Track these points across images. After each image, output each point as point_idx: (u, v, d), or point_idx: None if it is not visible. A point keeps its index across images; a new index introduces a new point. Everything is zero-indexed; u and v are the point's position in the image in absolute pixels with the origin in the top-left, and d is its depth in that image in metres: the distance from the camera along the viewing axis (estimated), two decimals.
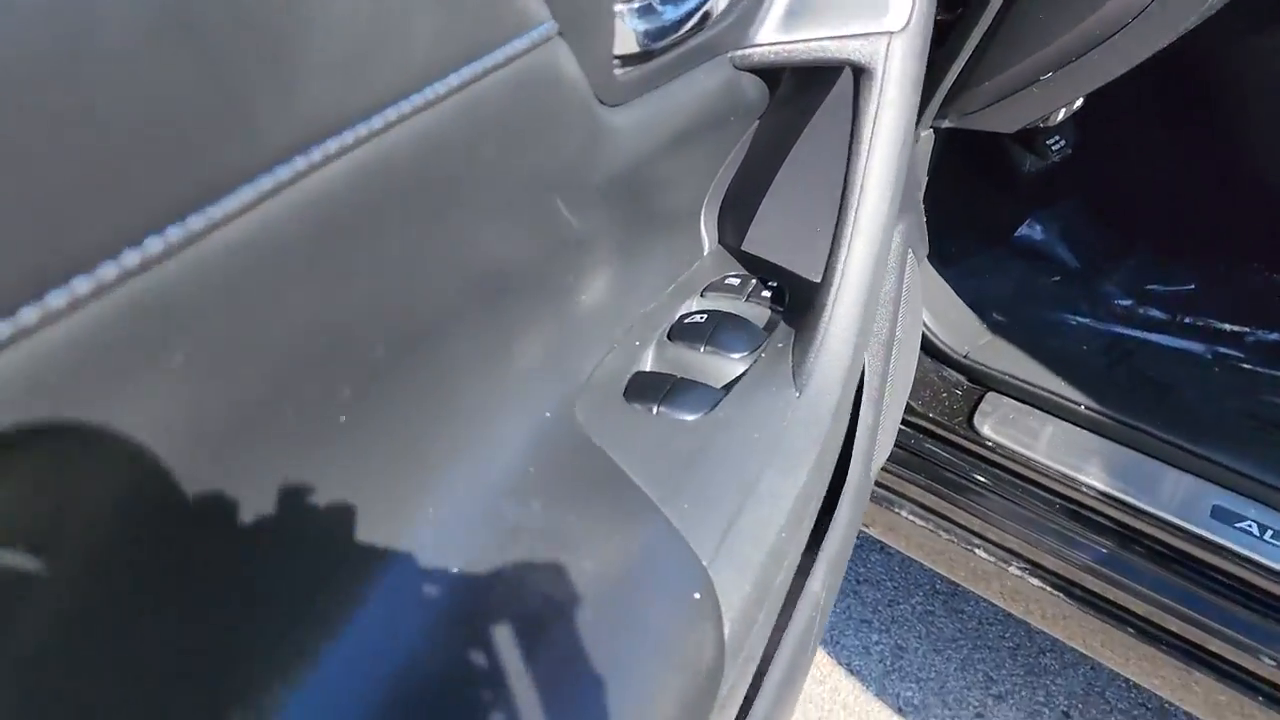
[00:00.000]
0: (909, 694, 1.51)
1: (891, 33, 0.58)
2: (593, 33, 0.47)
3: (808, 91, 0.72)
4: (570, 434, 0.53)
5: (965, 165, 1.67)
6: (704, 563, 0.48)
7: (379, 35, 0.35)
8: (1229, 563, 1.12)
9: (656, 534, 0.48)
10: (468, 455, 0.47)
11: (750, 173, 0.73)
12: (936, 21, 0.60)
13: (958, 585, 1.49)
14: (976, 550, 1.30)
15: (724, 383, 0.60)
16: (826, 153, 0.80)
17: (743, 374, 0.59)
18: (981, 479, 1.29)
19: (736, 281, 0.67)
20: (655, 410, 0.56)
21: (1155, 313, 1.65)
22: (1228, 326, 1.61)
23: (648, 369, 0.61)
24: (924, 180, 1.26)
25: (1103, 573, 1.20)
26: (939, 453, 1.31)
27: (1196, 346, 1.57)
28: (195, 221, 0.29)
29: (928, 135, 1.24)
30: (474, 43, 0.40)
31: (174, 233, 0.28)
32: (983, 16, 0.96)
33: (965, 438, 1.29)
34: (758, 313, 0.65)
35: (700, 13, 0.55)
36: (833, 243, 0.61)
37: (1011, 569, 1.27)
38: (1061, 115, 1.29)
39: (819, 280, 0.66)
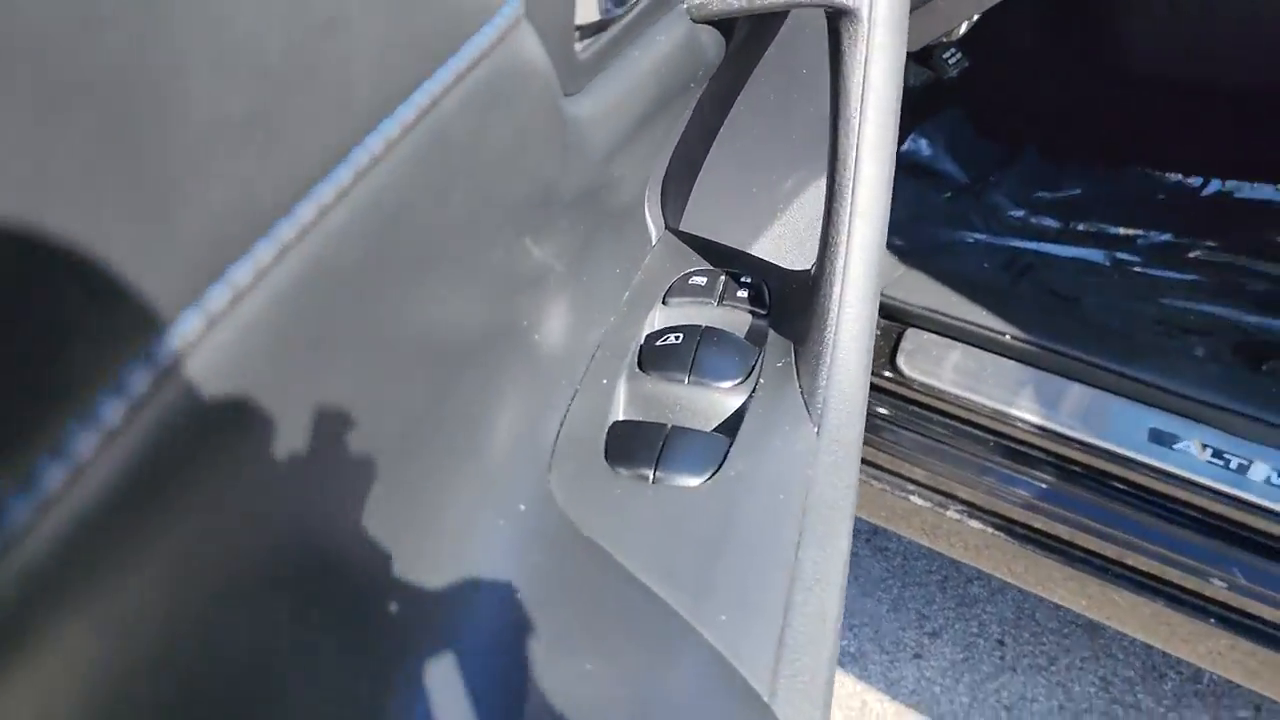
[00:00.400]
0: (845, 643, 1.46)
1: None
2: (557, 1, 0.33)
3: (756, 41, 0.60)
4: (555, 531, 0.40)
5: None
6: (764, 698, 0.36)
7: (303, 75, 0.21)
8: (1170, 486, 1.09)
9: (702, 671, 0.36)
10: (444, 602, 0.35)
11: (697, 142, 0.60)
12: None
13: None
14: (911, 497, 1.24)
15: (719, 422, 0.48)
16: (778, 111, 0.67)
17: (743, 408, 0.48)
18: (911, 422, 1.22)
19: (703, 281, 0.55)
20: (651, 477, 0.44)
21: (1048, 221, 1.62)
22: (1121, 230, 1.59)
23: (623, 416, 0.48)
24: None
25: (1045, 508, 1.16)
26: None
27: (1094, 254, 1.55)
28: (49, 481, 0.18)
29: None
30: (433, 48, 0.26)
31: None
32: None
33: (891, 380, 1.22)
34: (737, 319, 0.53)
35: None
36: (827, 227, 0.49)
37: (949, 513, 1.22)
38: (964, 29, 1.20)
39: (809, 270, 0.54)
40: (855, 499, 0.47)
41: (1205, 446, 1.11)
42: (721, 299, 0.54)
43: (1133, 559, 1.14)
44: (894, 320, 1.26)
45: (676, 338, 0.50)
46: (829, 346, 0.48)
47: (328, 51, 0.22)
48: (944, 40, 1.22)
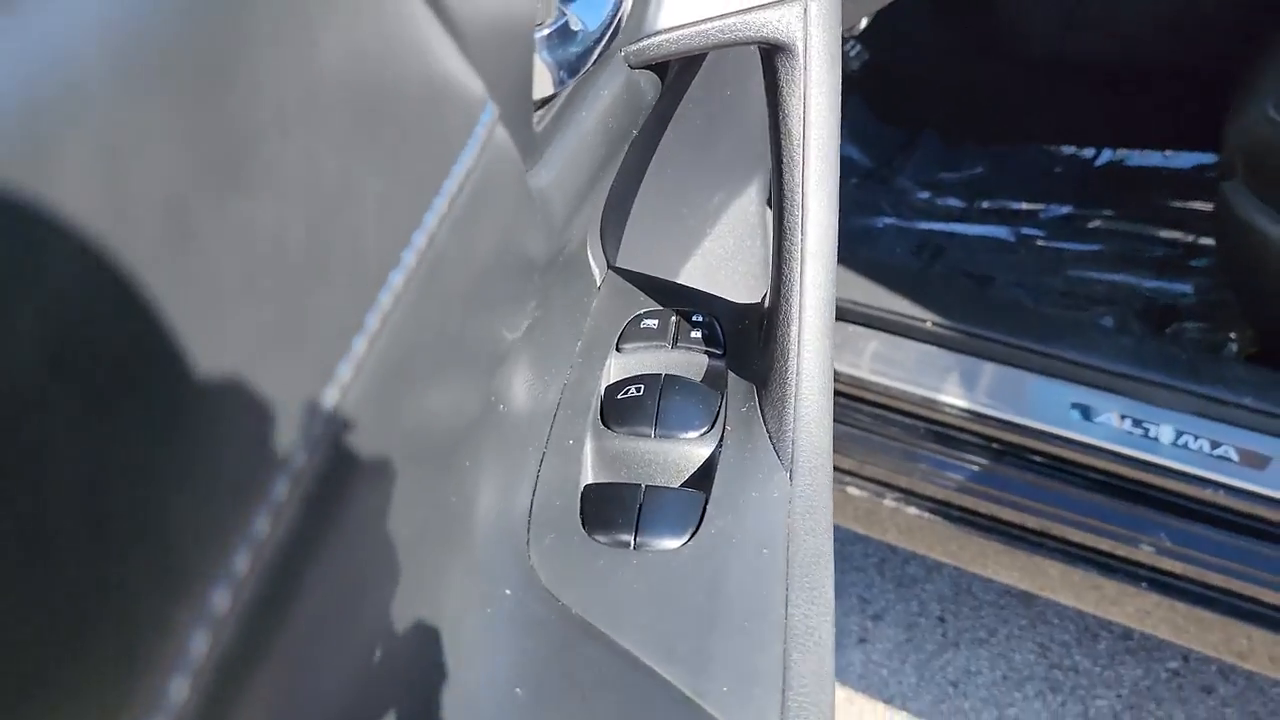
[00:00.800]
0: None
1: None
2: (516, 84, 0.32)
3: (686, 73, 0.59)
4: (544, 613, 0.39)
5: None
6: None
7: (322, 257, 0.20)
8: (1095, 457, 1.13)
9: None
10: (446, 709, 0.33)
11: (631, 176, 0.59)
12: None
13: None
14: (847, 488, 1.26)
15: (687, 475, 0.47)
16: (705, 133, 0.67)
17: (713, 458, 0.47)
18: (843, 414, 1.24)
19: (654, 324, 0.53)
20: (632, 543, 0.42)
21: (953, 202, 1.65)
22: (1023, 205, 1.63)
23: (594, 478, 0.47)
24: None
25: (977, 488, 1.18)
26: None
27: (1000, 231, 1.58)
28: None
29: None
30: (428, 182, 0.25)
31: None
32: None
33: None
34: (693, 362, 0.52)
35: (616, 19, 0.40)
36: (779, 266, 0.48)
37: (886, 501, 1.24)
38: (863, 24, 1.20)
39: (759, 303, 0.53)
40: (832, 544, 0.46)
41: (1124, 416, 1.14)
42: (675, 342, 0.53)
43: (1063, 530, 1.18)
44: None
45: (638, 389, 0.49)
46: (792, 389, 0.47)
47: (341, 224, 0.21)
48: (845, 35, 1.23)
